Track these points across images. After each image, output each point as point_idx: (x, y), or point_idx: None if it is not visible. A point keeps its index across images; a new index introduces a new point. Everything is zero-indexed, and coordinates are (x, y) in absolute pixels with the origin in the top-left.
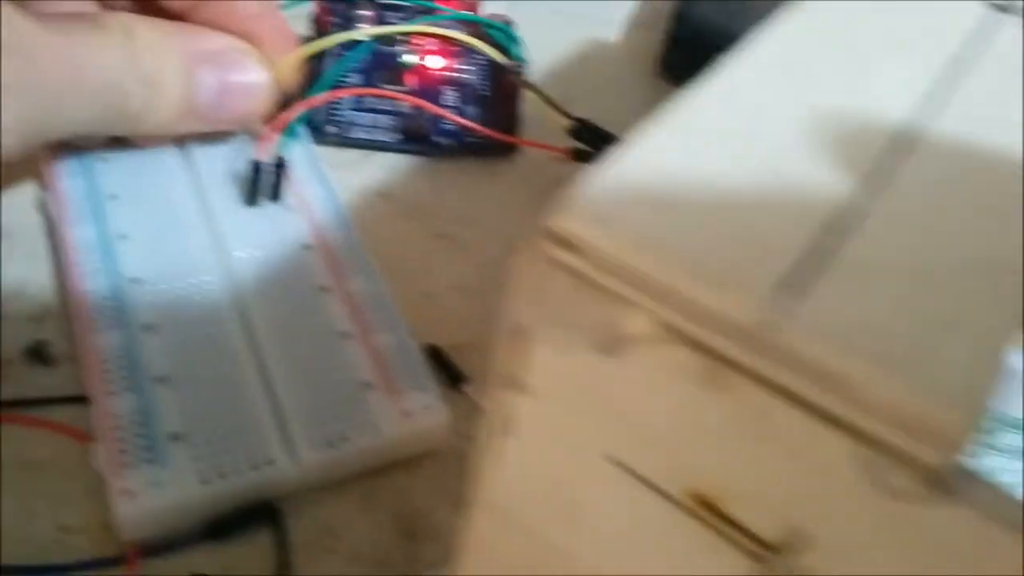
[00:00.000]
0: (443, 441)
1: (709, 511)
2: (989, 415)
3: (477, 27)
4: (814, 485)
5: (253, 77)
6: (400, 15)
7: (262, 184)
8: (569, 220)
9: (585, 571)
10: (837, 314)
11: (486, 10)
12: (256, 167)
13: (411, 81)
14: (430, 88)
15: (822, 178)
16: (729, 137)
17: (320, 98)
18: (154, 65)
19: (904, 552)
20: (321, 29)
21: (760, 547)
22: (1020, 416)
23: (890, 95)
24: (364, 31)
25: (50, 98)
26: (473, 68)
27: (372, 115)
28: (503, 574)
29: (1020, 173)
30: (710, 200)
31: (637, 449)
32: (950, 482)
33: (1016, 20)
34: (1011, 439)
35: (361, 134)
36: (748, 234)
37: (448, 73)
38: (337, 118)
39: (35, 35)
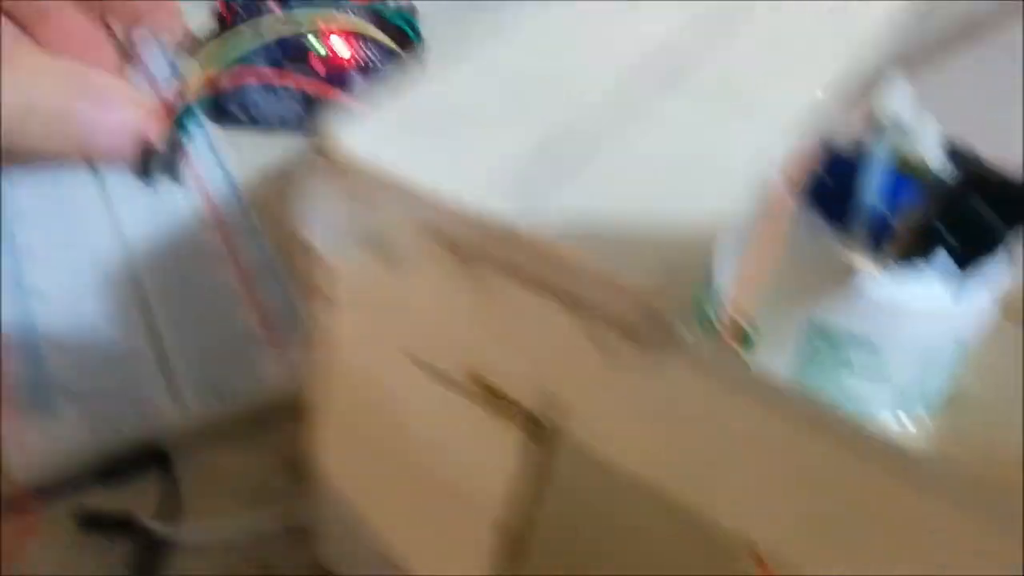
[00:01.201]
0: None
1: (483, 389)
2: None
3: (379, 15)
4: (559, 358)
5: (120, 116)
6: (305, 3)
7: (158, 163)
8: (340, 143)
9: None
10: (566, 209)
11: None
12: (150, 148)
13: (317, 65)
14: (335, 73)
15: (563, 102)
16: (484, 74)
17: (226, 80)
18: (32, 93)
19: (642, 416)
20: (223, 22)
21: (530, 422)
22: (870, 335)
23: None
24: (268, 23)
25: None
26: (377, 53)
27: (276, 97)
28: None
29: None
30: (463, 123)
31: (423, 341)
32: (660, 340)
33: None
34: (864, 359)
35: (266, 115)
36: (490, 149)
37: (353, 58)
38: (243, 100)
39: None
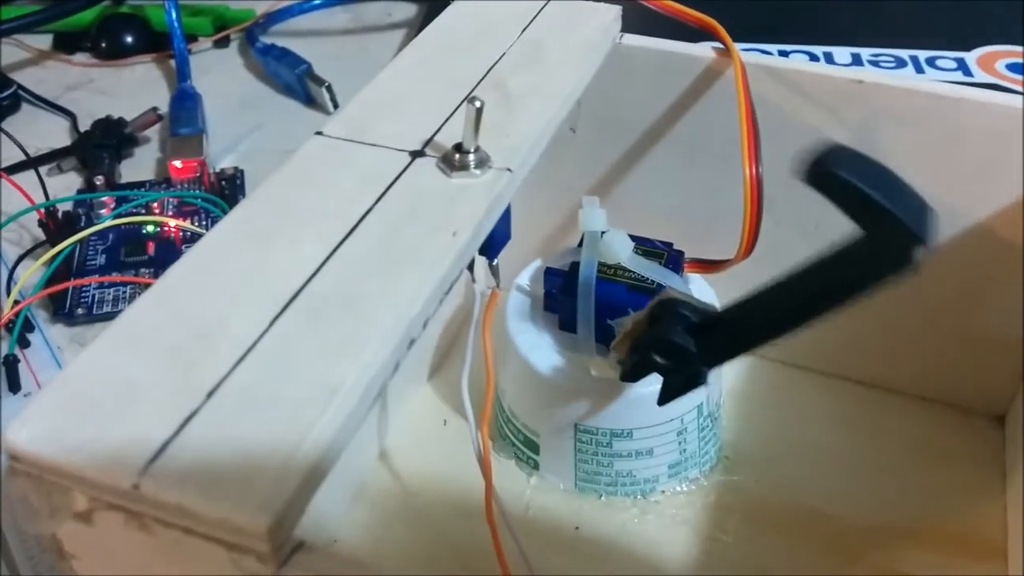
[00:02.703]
0: None
1: None
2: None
3: (210, 184)
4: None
5: None
6: (139, 191)
7: None
8: (16, 438)
9: None
10: (186, 465)
11: (219, 163)
12: None
13: (152, 248)
14: (172, 251)
15: (204, 355)
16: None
17: (61, 287)
18: None
19: None
20: (49, 233)
21: None
22: (623, 425)
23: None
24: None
25: None
26: (210, 224)
27: (116, 289)
28: None
29: None
30: (119, 399)
31: None
32: (280, 560)
33: (429, 162)
34: (627, 445)
35: (107, 308)
36: (133, 424)
37: (186, 231)
38: (84, 299)
39: None
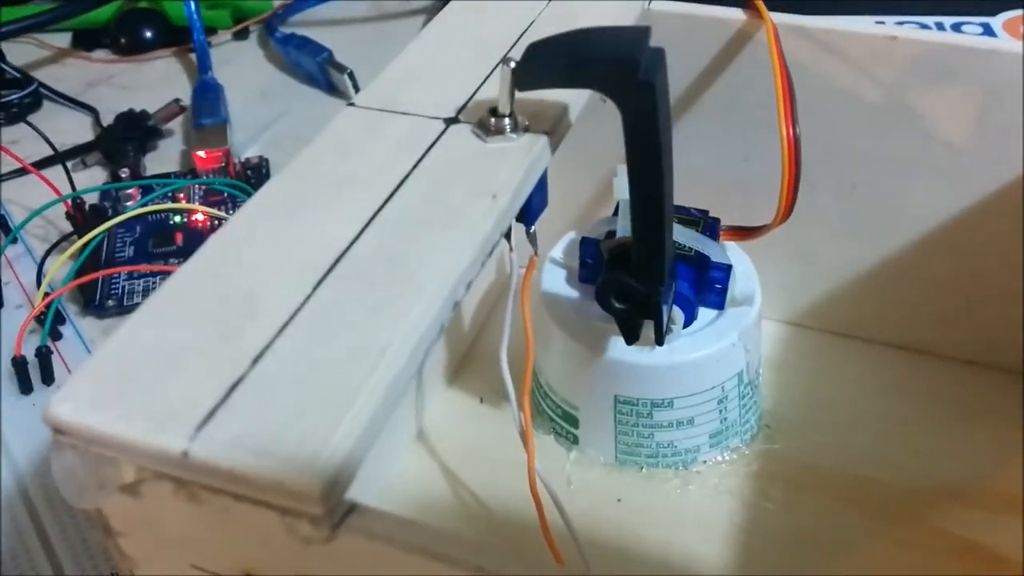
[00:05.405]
0: None
1: None
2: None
3: (235, 173)
4: (263, 542)
5: None
6: (163, 182)
7: (29, 374)
8: (60, 410)
9: None
10: (236, 429)
11: (244, 152)
12: (19, 361)
13: (180, 238)
14: (200, 240)
15: (248, 322)
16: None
17: (91, 278)
18: None
19: None
20: (77, 225)
21: None
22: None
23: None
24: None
25: None
26: (235, 211)
27: (145, 280)
28: None
29: None
30: (157, 367)
31: (198, 550)
32: (333, 522)
33: (464, 128)
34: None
35: (137, 299)
36: (178, 391)
37: (215, 221)
38: (114, 291)
39: None
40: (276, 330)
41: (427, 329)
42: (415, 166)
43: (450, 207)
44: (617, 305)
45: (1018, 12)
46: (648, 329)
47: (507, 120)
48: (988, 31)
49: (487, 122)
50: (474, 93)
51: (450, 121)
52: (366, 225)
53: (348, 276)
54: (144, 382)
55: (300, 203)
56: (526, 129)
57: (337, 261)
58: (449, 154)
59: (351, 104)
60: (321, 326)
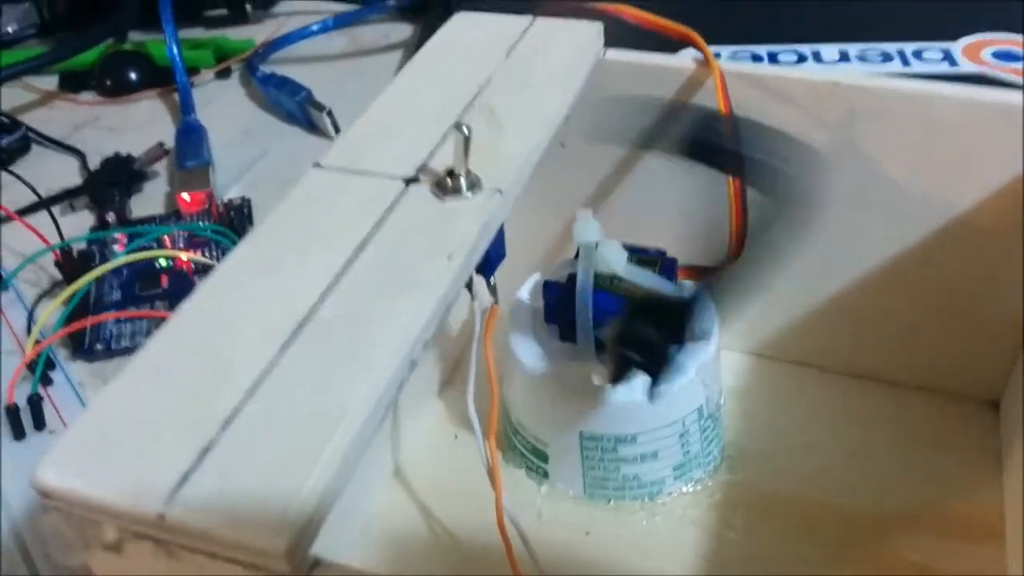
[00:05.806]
0: None
1: None
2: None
3: (218, 215)
4: None
5: None
6: (150, 226)
7: (22, 421)
8: (46, 476)
9: None
10: (208, 492)
11: (226, 193)
12: (10, 409)
13: (166, 281)
14: (185, 283)
15: (218, 388)
16: (170, 371)
17: (80, 326)
18: None
19: None
20: (66, 273)
21: None
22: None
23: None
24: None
25: None
26: (220, 254)
27: (132, 324)
28: None
29: None
30: (140, 434)
31: None
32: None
33: (423, 188)
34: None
35: (125, 343)
36: (154, 456)
37: (198, 263)
38: (103, 336)
39: None
40: (244, 394)
41: (384, 390)
42: (376, 227)
43: (407, 269)
44: (634, 357)
45: (977, 37)
46: (604, 367)
47: (463, 180)
48: (948, 56)
49: (444, 182)
50: (432, 152)
51: (410, 181)
52: (328, 288)
53: (311, 340)
54: (124, 448)
55: (269, 265)
56: (481, 188)
57: (301, 325)
58: (408, 214)
59: (317, 165)
60: (286, 390)
